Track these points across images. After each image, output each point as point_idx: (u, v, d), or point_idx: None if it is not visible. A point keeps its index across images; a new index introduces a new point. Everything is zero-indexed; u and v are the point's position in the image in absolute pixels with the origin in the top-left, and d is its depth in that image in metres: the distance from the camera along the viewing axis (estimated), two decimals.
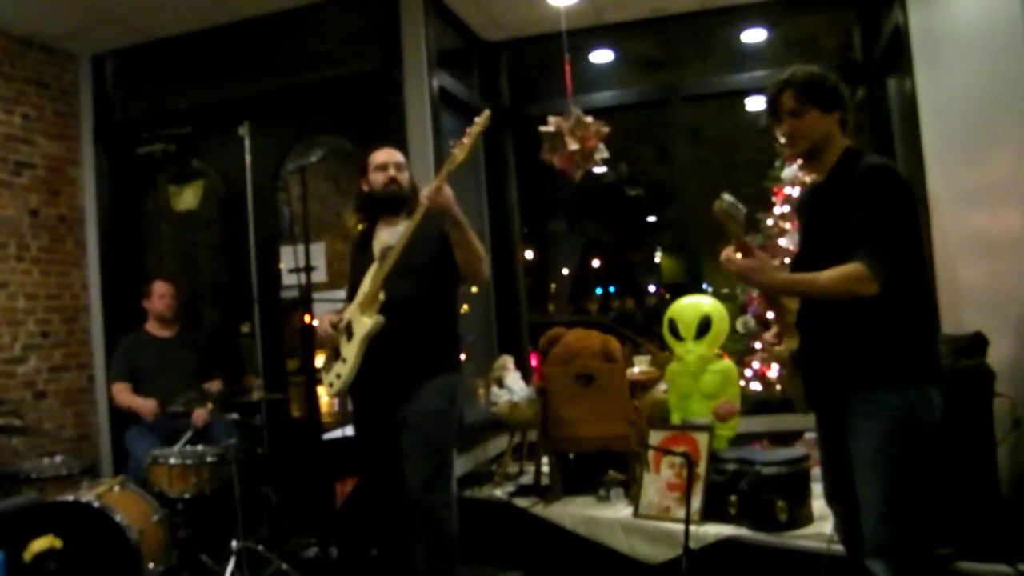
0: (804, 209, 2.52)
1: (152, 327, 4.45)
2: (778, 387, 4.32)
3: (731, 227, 2.15)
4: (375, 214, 3.16)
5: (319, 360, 3.26)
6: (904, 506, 2.12)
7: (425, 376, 2.94)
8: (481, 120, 2.81)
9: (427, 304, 2.99)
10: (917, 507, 2.14)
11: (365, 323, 2.91)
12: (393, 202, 3.11)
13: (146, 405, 4.12)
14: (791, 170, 4.33)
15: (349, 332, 2.98)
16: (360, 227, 3.23)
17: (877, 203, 2.10)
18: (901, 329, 2.16)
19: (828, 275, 2.10)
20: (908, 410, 2.12)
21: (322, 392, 3.48)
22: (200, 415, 4.07)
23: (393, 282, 2.91)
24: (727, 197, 2.13)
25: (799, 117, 2.26)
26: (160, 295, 4.42)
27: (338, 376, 3.01)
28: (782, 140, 2.35)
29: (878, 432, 2.13)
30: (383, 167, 3.11)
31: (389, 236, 3.05)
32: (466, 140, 2.80)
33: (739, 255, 2.18)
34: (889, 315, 2.13)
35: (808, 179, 4.13)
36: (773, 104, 2.30)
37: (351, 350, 2.95)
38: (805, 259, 2.31)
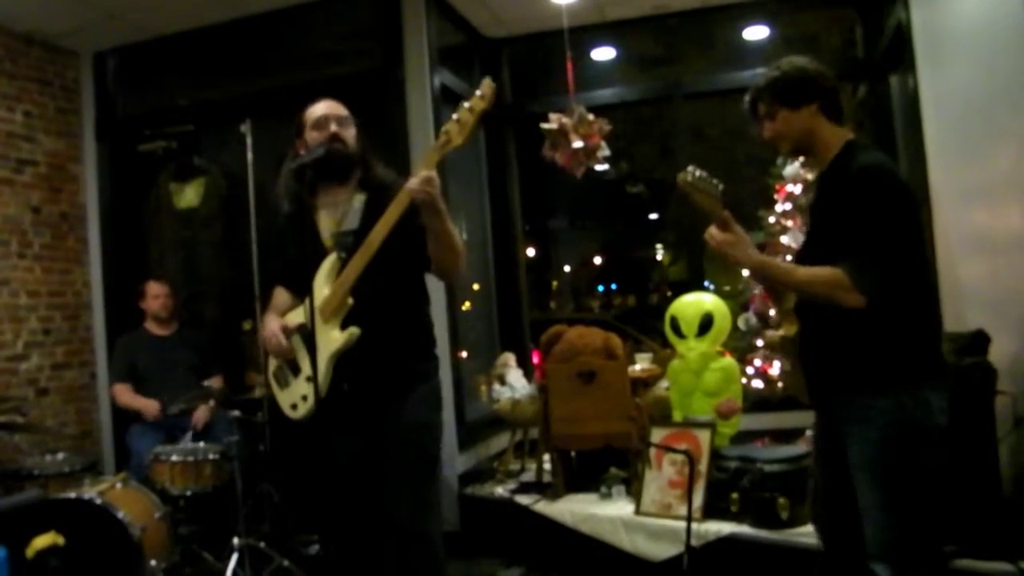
0: (812, 201, 2.49)
1: (150, 326, 4.47)
2: (780, 384, 4.32)
3: (703, 201, 2.09)
4: (314, 183, 2.46)
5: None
6: (905, 511, 2.08)
7: (406, 386, 2.49)
8: (486, 92, 2.24)
9: (397, 301, 2.49)
10: (919, 511, 2.09)
11: (335, 338, 2.39)
12: (336, 166, 2.48)
13: (148, 405, 4.14)
14: (793, 168, 4.33)
15: (311, 345, 2.37)
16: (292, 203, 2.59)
17: (870, 211, 2.03)
18: (894, 332, 2.10)
19: (807, 271, 2.08)
20: (903, 415, 2.07)
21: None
22: (200, 417, 4.08)
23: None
24: (692, 169, 2.07)
25: (773, 120, 2.25)
26: (154, 296, 4.43)
27: (304, 398, 2.49)
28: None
29: (872, 439, 2.09)
30: (321, 123, 2.51)
31: (338, 215, 2.52)
32: (464, 116, 2.24)
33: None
34: (882, 318, 2.08)
35: (810, 176, 4.14)
36: (752, 112, 2.32)
37: (320, 368, 2.37)
38: (805, 254, 2.28)
